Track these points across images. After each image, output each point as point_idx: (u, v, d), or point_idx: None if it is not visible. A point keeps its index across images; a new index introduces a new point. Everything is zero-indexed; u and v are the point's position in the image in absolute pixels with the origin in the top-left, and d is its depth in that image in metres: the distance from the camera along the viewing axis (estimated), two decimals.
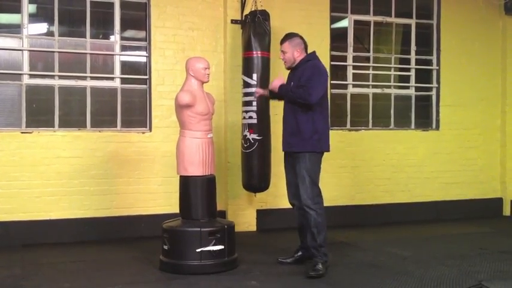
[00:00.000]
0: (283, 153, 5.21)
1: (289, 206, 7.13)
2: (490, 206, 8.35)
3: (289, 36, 5.17)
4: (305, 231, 5.11)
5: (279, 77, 5.26)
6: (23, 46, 6.37)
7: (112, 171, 6.52)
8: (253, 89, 6.40)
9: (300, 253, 5.28)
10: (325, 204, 5.12)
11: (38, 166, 6.23)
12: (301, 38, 5.19)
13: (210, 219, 5.10)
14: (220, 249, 4.95)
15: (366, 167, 7.61)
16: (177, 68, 6.68)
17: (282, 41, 5.16)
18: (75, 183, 6.36)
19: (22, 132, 6.25)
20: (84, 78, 6.61)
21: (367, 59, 7.91)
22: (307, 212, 4.95)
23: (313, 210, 4.93)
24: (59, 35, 6.52)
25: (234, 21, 6.89)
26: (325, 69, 5.12)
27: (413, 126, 8.14)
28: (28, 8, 6.38)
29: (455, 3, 8.18)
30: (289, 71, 5.26)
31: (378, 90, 7.97)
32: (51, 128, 6.42)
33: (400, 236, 6.82)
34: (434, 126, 8.21)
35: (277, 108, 6.88)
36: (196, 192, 5.08)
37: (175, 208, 5.41)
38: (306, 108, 4.91)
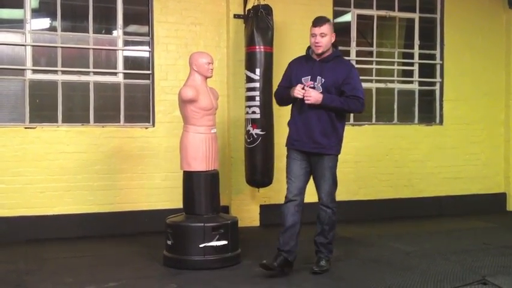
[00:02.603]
0: (286, 148, 5.02)
1: None
2: (493, 201, 8.33)
3: (327, 19, 4.73)
4: (298, 231, 4.79)
5: (308, 89, 4.59)
6: (25, 41, 6.37)
7: (115, 167, 6.52)
8: (256, 84, 6.39)
9: (282, 257, 4.73)
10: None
11: (41, 161, 6.24)
12: None
13: (213, 215, 5.11)
14: (223, 245, 4.96)
15: (369, 162, 7.59)
16: (180, 63, 6.67)
17: (321, 23, 4.63)
18: (79, 178, 6.37)
19: (25, 128, 6.25)
20: (87, 73, 6.61)
21: (370, 54, 7.89)
22: (323, 210, 4.78)
23: (330, 209, 4.78)
24: (62, 30, 6.52)
25: (236, 16, 6.88)
26: None
27: (416, 121, 8.12)
28: (31, 3, 6.37)
29: None
30: (296, 62, 4.85)
31: (381, 85, 7.95)
32: (55, 124, 6.42)
33: (404, 231, 6.81)
34: (437, 121, 8.18)
35: None
36: (200, 187, 5.08)
37: (178, 203, 5.41)
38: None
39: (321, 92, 4.59)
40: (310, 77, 4.67)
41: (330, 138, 4.69)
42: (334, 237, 4.91)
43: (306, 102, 4.56)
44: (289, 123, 4.90)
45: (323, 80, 4.62)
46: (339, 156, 4.63)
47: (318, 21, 4.67)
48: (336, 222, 4.88)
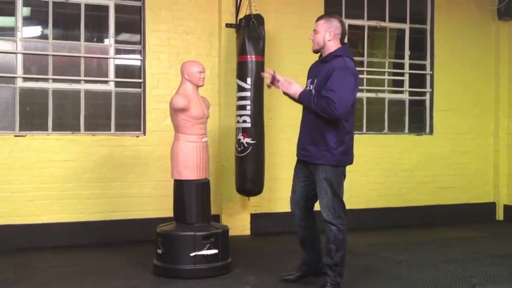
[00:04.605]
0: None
1: (283, 210, 7.18)
2: (483, 211, 8.37)
3: (327, 16, 4.56)
4: (310, 245, 4.67)
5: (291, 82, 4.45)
6: (16, 49, 6.35)
7: (106, 175, 6.49)
8: (247, 93, 6.40)
9: (303, 267, 4.76)
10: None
11: (31, 170, 6.20)
12: (341, 23, 4.47)
13: (204, 224, 5.09)
14: (214, 254, 4.94)
15: (360, 171, 7.60)
16: (171, 72, 6.68)
17: (317, 19, 4.50)
18: (69, 186, 6.34)
19: (15, 136, 6.22)
20: (78, 81, 6.60)
21: (361, 64, 7.92)
22: (327, 227, 4.38)
23: (335, 226, 4.34)
24: (53, 38, 6.51)
25: (228, 25, 6.90)
26: (355, 69, 4.35)
27: (407, 130, 8.16)
28: (22, 11, 6.36)
29: (448, 9, 8.22)
30: (313, 64, 4.67)
31: (372, 95, 7.99)
32: (45, 132, 6.39)
33: (394, 240, 6.82)
34: (428, 130, 8.23)
35: (271, 113, 6.92)
36: (191, 196, 5.07)
37: (169, 212, 5.39)
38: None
39: (309, 91, 4.39)
40: (311, 79, 4.48)
41: (318, 146, 4.34)
42: (344, 259, 4.44)
43: (280, 88, 4.43)
44: None
45: (315, 81, 4.39)
46: None
47: (318, 18, 4.53)
48: (345, 241, 4.41)
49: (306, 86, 4.57)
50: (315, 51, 4.53)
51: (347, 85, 4.24)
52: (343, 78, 4.23)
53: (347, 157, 4.43)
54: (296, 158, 4.69)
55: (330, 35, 4.38)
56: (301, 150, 4.52)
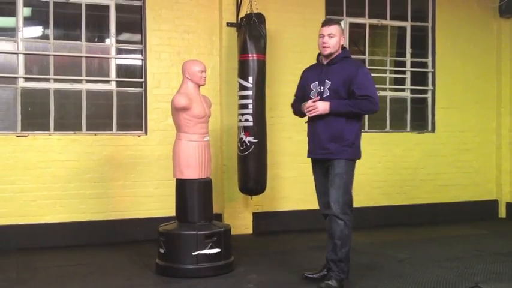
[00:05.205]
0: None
1: (286, 209, 7.18)
2: (485, 208, 8.37)
3: (334, 20, 4.66)
4: None
5: (313, 100, 4.50)
6: (18, 49, 6.35)
7: (108, 175, 6.50)
8: (249, 92, 6.40)
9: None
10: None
11: (33, 170, 6.21)
12: None
13: (206, 223, 5.09)
14: (216, 253, 4.94)
15: (361, 169, 7.46)
16: (172, 71, 6.68)
17: (330, 23, 4.54)
18: (71, 186, 6.34)
19: (17, 136, 6.23)
20: (79, 81, 6.60)
21: (363, 62, 7.90)
22: (335, 222, 4.44)
23: (342, 221, 4.42)
24: (54, 38, 6.51)
25: (229, 24, 6.89)
26: None
27: (409, 128, 8.16)
28: (23, 11, 6.36)
29: (450, 6, 8.21)
30: (308, 69, 4.78)
31: None
32: (47, 132, 6.40)
33: (396, 238, 6.82)
34: (430, 128, 8.22)
35: (273, 111, 6.91)
36: (193, 195, 5.07)
37: (171, 211, 5.40)
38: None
39: (329, 98, 4.44)
40: (317, 82, 4.54)
41: (338, 142, 4.45)
42: (348, 256, 4.50)
43: (312, 115, 4.47)
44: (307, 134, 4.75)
45: (329, 83, 4.46)
46: None
47: (327, 22, 4.59)
48: (350, 238, 4.49)
49: (308, 89, 4.62)
50: (328, 55, 4.55)
51: (372, 80, 4.55)
52: (368, 76, 4.54)
53: (359, 152, 4.62)
54: (306, 159, 4.73)
55: (343, 39, 4.58)
56: (320, 149, 4.54)
